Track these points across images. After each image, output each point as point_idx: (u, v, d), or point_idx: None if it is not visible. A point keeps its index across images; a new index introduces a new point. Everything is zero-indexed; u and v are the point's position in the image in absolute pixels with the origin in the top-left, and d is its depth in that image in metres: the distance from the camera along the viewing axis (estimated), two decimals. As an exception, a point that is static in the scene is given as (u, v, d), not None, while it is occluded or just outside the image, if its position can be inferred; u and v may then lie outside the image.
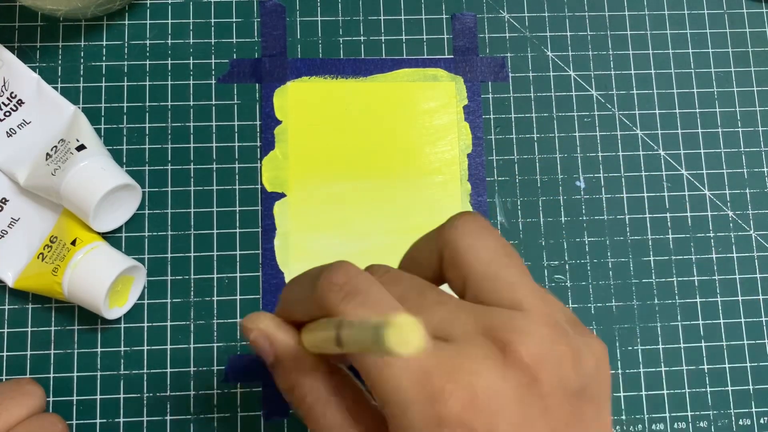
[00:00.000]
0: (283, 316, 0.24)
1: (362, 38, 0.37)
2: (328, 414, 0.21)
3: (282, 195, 0.35)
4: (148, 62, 0.36)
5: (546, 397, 0.19)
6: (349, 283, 0.20)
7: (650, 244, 0.36)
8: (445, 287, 0.23)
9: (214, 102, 0.36)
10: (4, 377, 0.33)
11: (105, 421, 0.33)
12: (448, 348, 0.19)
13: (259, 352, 0.23)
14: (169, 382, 0.33)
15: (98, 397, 0.33)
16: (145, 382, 0.33)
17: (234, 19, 0.37)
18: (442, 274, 0.23)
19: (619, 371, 0.35)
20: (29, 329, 0.34)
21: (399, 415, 0.19)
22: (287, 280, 0.34)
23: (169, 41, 0.37)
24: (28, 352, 0.33)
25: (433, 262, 0.23)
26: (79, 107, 0.35)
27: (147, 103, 0.36)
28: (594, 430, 0.20)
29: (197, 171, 0.35)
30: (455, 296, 0.22)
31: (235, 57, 0.37)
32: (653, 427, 0.34)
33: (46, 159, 0.33)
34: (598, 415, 0.21)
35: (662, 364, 0.35)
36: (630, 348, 0.35)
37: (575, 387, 0.20)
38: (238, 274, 0.35)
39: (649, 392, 0.35)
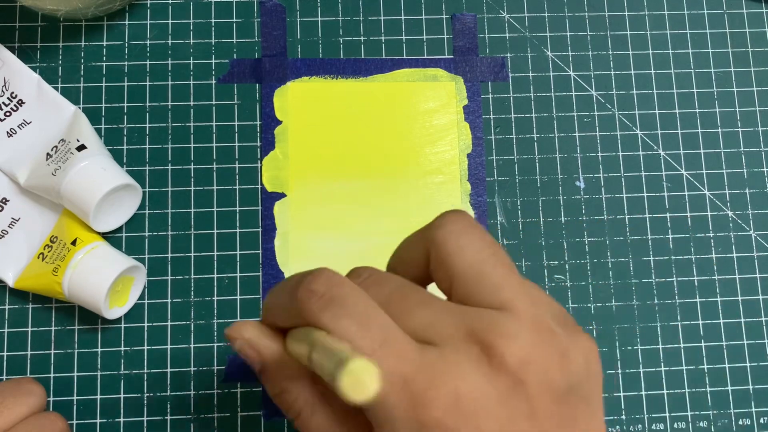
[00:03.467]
0: (268, 323, 0.24)
1: (362, 38, 0.37)
2: (315, 419, 0.22)
3: (282, 195, 0.35)
4: (148, 62, 0.36)
5: (532, 400, 0.19)
6: (328, 291, 0.20)
7: (650, 244, 0.36)
8: (433, 287, 0.23)
9: (214, 102, 0.36)
10: (4, 377, 0.33)
11: (105, 421, 0.33)
12: (431, 352, 0.19)
13: (247, 360, 0.23)
14: (169, 382, 0.33)
15: (98, 397, 0.33)
16: (145, 382, 0.33)
17: (234, 19, 0.37)
18: (429, 273, 0.23)
19: (619, 371, 0.35)
20: (29, 329, 0.34)
21: (382, 422, 0.19)
22: (287, 280, 0.34)
23: (170, 41, 0.37)
24: (29, 352, 0.33)
25: (420, 262, 0.23)
26: (79, 107, 0.35)
27: (147, 103, 0.36)
28: (586, 427, 0.20)
29: (197, 171, 0.35)
30: (441, 297, 0.22)
31: (235, 57, 0.37)
32: (653, 427, 0.34)
33: (47, 159, 0.33)
34: (590, 414, 0.20)
35: (662, 364, 0.35)
36: (630, 348, 0.35)
37: (563, 388, 0.20)
38: (238, 274, 0.35)
39: (649, 392, 0.35)
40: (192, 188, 0.35)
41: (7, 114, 0.34)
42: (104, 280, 0.31)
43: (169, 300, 0.34)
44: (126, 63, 0.36)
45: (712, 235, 0.37)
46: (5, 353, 0.33)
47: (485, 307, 0.20)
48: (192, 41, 0.37)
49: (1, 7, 0.36)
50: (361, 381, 0.16)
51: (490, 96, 0.37)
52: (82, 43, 0.36)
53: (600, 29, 0.38)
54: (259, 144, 0.36)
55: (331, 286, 0.20)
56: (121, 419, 0.33)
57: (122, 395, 0.33)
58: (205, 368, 0.34)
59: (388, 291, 0.21)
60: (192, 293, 0.34)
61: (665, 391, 0.35)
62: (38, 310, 0.34)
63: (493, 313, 0.20)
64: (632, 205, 0.37)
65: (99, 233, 0.34)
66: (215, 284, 0.34)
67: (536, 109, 0.37)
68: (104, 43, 0.36)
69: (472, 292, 0.21)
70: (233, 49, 0.37)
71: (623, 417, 0.35)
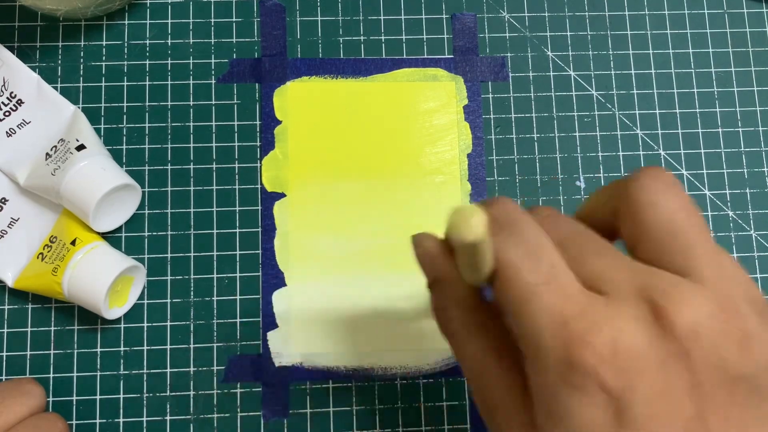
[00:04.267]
0: (449, 243, 0.24)
1: (362, 38, 0.37)
2: (469, 343, 0.22)
3: (282, 195, 0.35)
4: (148, 62, 0.36)
5: (696, 374, 0.18)
6: (504, 217, 0.20)
7: (650, 244, 0.36)
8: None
9: (214, 102, 0.36)
10: (4, 377, 0.33)
11: (105, 421, 0.33)
12: (597, 300, 0.19)
13: (422, 268, 0.24)
14: (169, 382, 0.33)
15: (98, 397, 0.33)
16: (145, 382, 0.33)
17: (234, 19, 0.37)
18: (615, 228, 0.22)
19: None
20: (29, 329, 0.34)
21: (533, 355, 0.19)
22: (287, 280, 0.34)
23: (169, 41, 0.37)
24: (28, 352, 0.33)
25: (607, 214, 0.22)
26: (79, 107, 0.35)
27: (147, 103, 0.36)
28: (756, 425, 0.18)
29: (197, 171, 0.35)
30: (620, 252, 0.21)
31: (235, 57, 0.37)
32: (653, 427, 0.34)
33: (46, 159, 0.33)
34: (765, 413, 0.18)
35: (662, 364, 0.35)
36: (630, 348, 0.35)
37: (737, 373, 0.18)
38: (238, 274, 0.34)
39: (649, 392, 0.35)
40: (191, 188, 0.35)
41: (7, 114, 0.34)
42: (104, 280, 0.31)
43: (168, 300, 0.34)
44: (125, 63, 0.36)
45: (712, 234, 0.37)
46: (5, 353, 0.33)
47: (668, 271, 0.19)
48: (191, 41, 0.37)
49: (1, 7, 0.36)
50: (468, 220, 0.17)
51: (490, 96, 0.37)
52: (82, 43, 0.36)
53: (600, 29, 0.38)
54: (258, 144, 0.36)
55: (507, 212, 0.20)
56: (121, 419, 0.33)
57: (122, 395, 0.33)
58: (205, 368, 0.34)
59: (566, 233, 0.21)
60: (192, 293, 0.34)
61: (665, 392, 0.35)
62: (38, 310, 0.34)
63: (674, 277, 0.19)
64: (632, 205, 0.36)
65: (98, 233, 0.33)
66: (215, 284, 0.34)
67: (536, 108, 0.37)
68: (104, 43, 0.36)
69: (658, 253, 0.20)
70: (233, 48, 0.37)
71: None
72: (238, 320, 0.34)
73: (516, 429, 0.20)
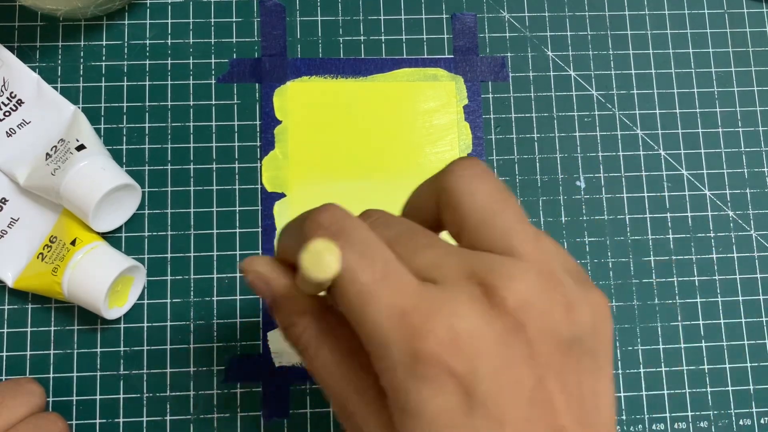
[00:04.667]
0: (281, 259, 0.24)
1: (362, 38, 0.37)
2: (321, 354, 0.22)
3: (282, 195, 0.35)
4: (148, 62, 0.36)
5: (532, 344, 0.19)
6: (334, 224, 0.20)
7: (650, 244, 0.36)
8: (445, 236, 0.23)
9: (214, 102, 0.36)
10: (4, 377, 0.33)
11: (105, 421, 0.33)
12: (431, 289, 0.19)
13: (258, 293, 0.24)
14: (169, 382, 0.33)
15: (98, 397, 0.33)
16: (145, 382, 0.33)
17: (234, 19, 0.37)
18: (439, 220, 0.23)
19: (620, 371, 0.35)
20: (29, 329, 0.34)
21: (379, 353, 0.19)
22: (287, 280, 0.34)
23: (169, 41, 0.37)
24: (28, 352, 0.33)
25: (431, 208, 0.23)
26: (79, 107, 0.35)
27: (147, 103, 0.36)
28: (590, 381, 0.20)
29: (197, 171, 0.35)
30: (450, 242, 0.22)
31: (235, 57, 0.37)
32: (653, 427, 0.34)
33: (46, 159, 0.33)
34: (596, 369, 0.20)
35: (662, 364, 0.35)
36: (630, 348, 0.35)
37: (567, 337, 0.19)
38: (238, 274, 0.35)
39: (650, 392, 0.35)
40: (192, 188, 0.35)
41: (7, 114, 0.34)
42: (104, 280, 0.31)
43: (168, 300, 0.34)
44: (125, 63, 0.36)
45: (712, 235, 0.37)
46: (5, 353, 0.33)
47: (492, 252, 0.20)
48: (192, 41, 0.37)
49: (1, 7, 0.36)
50: (322, 259, 0.17)
51: (491, 96, 0.37)
52: (82, 43, 0.36)
53: (600, 29, 0.38)
54: (258, 144, 0.36)
55: (337, 220, 0.21)
56: (121, 419, 0.33)
57: (122, 395, 0.33)
58: (205, 368, 0.34)
59: (396, 232, 0.21)
60: (192, 293, 0.34)
61: (665, 392, 0.35)
62: (38, 310, 0.34)
63: (499, 257, 0.20)
64: (633, 205, 0.37)
65: (98, 233, 0.33)
66: (215, 284, 0.34)
67: (536, 108, 0.37)
68: (104, 43, 0.36)
69: (480, 237, 0.21)
70: (233, 48, 0.37)
71: (623, 417, 0.35)
72: (238, 320, 0.34)
73: (375, 431, 0.20)
